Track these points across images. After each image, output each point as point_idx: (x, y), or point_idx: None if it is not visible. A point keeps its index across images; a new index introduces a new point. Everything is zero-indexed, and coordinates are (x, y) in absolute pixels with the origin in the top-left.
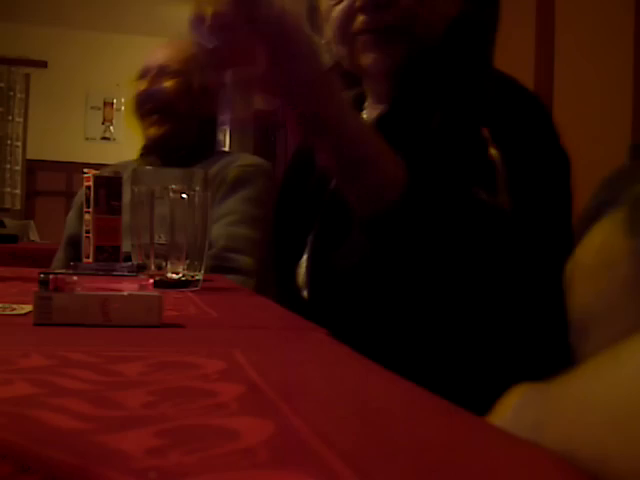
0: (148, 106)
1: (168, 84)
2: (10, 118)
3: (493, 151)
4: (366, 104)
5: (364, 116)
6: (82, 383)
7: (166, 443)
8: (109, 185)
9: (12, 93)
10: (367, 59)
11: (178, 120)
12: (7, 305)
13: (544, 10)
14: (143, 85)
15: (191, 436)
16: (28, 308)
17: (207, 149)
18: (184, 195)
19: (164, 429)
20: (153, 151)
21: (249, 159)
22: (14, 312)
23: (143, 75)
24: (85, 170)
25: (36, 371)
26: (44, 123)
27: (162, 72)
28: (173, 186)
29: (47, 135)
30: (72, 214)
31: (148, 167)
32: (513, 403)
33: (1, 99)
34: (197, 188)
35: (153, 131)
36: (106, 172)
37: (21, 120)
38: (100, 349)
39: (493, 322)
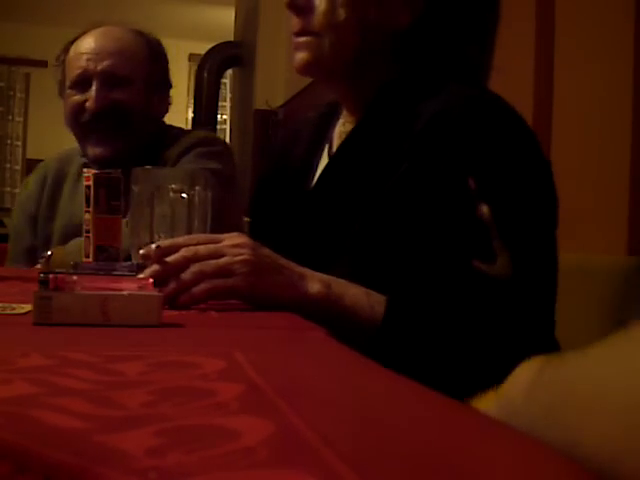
0: (102, 123)
1: (118, 94)
2: (10, 118)
3: (484, 208)
4: (344, 113)
5: (341, 128)
6: (82, 383)
7: (166, 443)
8: (109, 185)
9: (12, 93)
10: (294, 61)
11: (131, 136)
12: (7, 305)
13: (544, 10)
14: (77, 97)
15: (191, 436)
16: (28, 308)
17: (154, 159)
18: (184, 195)
19: (164, 429)
20: (94, 166)
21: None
22: (14, 312)
23: (76, 85)
24: (85, 170)
25: (36, 371)
26: (44, 123)
27: (108, 81)
28: (173, 186)
29: (47, 135)
30: (22, 222)
31: (148, 167)
32: (525, 381)
33: (1, 99)
34: (197, 188)
35: (99, 152)
36: (53, 159)
37: (21, 120)
38: (100, 349)
39: (486, 318)
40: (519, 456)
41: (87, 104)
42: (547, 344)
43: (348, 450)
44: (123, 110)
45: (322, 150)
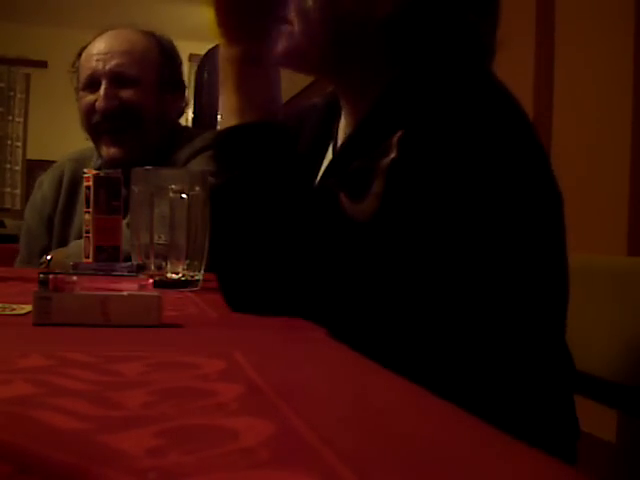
0: (113, 123)
1: (127, 94)
2: (10, 118)
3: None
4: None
5: (344, 122)
6: (82, 383)
7: (166, 443)
8: (109, 185)
9: (12, 93)
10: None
11: (142, 136)
12: (7, 305)
13: (544, 10)
14: (88, 97)
15: (191, 436)
16: (28, 308)
17: (165, 160)
18: (184, 195)
19: (164, 429)
20: (112, 167)
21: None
22: (14, 312)
23: (87, 86)
24: (85, 170)
25: (36, 371)
26: (44, 123)
27: (116, 80)
28: (173, 186)
29: (47, 135)
30: (37, 224)
31: (148, 167)
32: None
33: (1, 99)
34: (197, 188)
35: (112, 152)
36: (68, 159)
37: (21, 120)
38: (100, 349)
39: (490, 320)
40: (517, 457)
41: (96, 104)
42: (555, 347)
43: (348, 450)
44: (132, 110)
45: (328, 144)
